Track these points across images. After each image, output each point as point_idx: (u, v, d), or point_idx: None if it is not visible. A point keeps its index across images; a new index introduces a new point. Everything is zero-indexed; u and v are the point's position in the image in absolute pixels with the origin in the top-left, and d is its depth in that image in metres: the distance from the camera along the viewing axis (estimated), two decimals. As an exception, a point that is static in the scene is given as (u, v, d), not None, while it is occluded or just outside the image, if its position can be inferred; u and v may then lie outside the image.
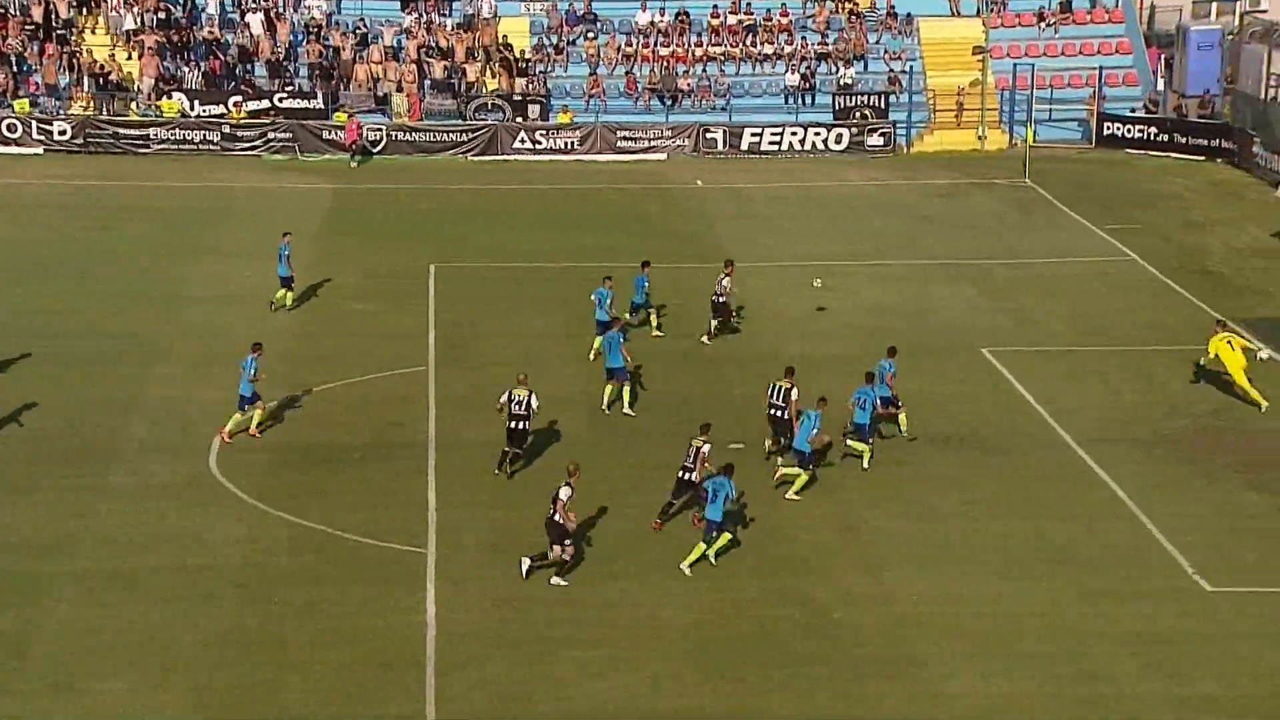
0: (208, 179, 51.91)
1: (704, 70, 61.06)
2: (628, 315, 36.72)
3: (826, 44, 61.56)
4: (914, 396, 33.36)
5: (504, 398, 29.08)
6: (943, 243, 45.98)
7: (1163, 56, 61.07)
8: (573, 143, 57.47)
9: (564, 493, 25.40)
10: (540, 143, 57.32)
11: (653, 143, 57.84)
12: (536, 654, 23.34)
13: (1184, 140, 56.30)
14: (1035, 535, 26.96)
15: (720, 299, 36.97)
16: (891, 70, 60.74)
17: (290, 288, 38.69)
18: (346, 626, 23.99)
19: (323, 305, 39.36)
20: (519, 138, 57.28)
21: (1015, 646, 23.41)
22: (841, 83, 59.75)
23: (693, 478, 27.03)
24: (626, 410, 32.45)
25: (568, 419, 32.22)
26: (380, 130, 57.00)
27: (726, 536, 26.12)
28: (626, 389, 32.67)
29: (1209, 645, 23.28)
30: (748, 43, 61.91)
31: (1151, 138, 57.09)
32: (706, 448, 27.18)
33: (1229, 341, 33.04)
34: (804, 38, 61.95)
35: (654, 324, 37.36)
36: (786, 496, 28.53)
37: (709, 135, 57.79)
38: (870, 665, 23.09)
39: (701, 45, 61.76)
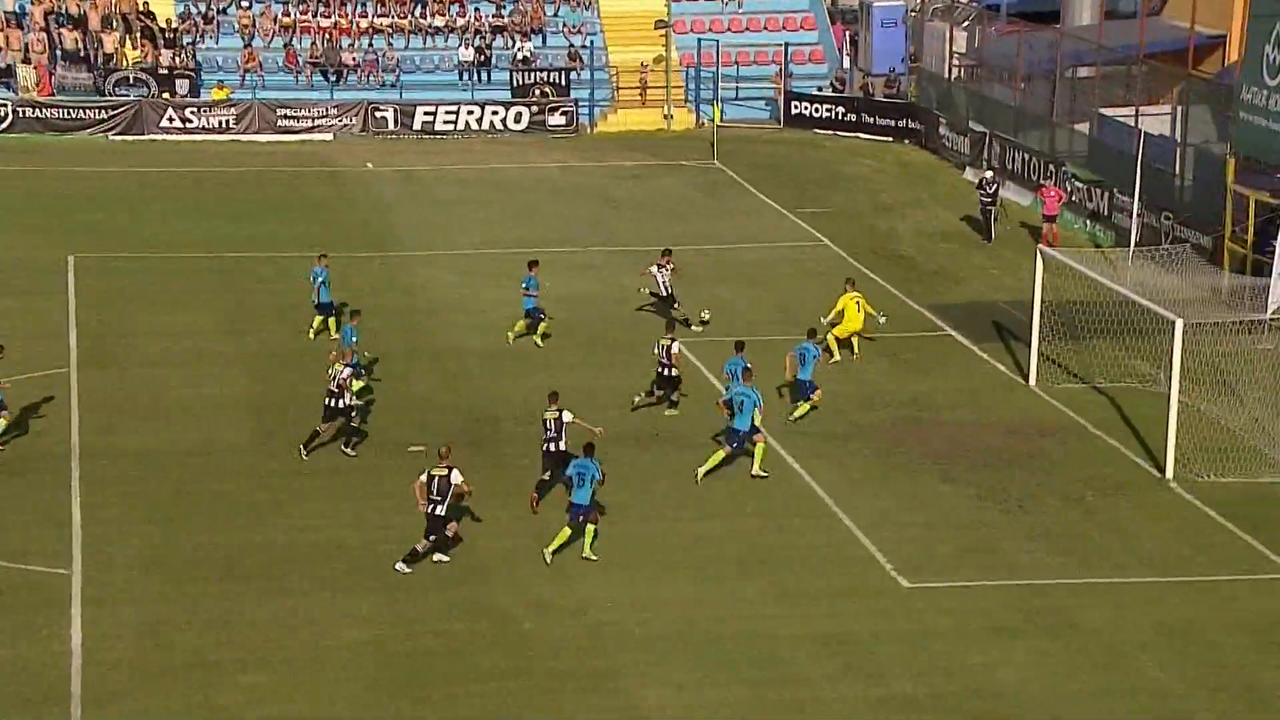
0: None
1: (370, 43, 60.50)
2: (522, 325, 36.29)
3: (502, 16, 61.69)
4: (604, 392, 33.74)
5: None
6: (632, 228, 46.55)
7: (848, 33, 63.07)
8: (228, 121, 56.28)
9: (456, 475, 25.88)
10: (191, 121, 55.96)
11: (317, 122, 57.07)
12: (198, 682, 22.79)
13: (871, 120, 58.24)
14: (732, 535, 27.52)
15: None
16: (572, 45, 61.22)
17: None
18: (-17, 661, 23.01)
19: (-53, 303, 37.66)
20: (166, 115, 55.82)
21: (714, 653, 23.86)
22: (519, 58, 59.96)
23: (561, 447, 28.12)
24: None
25: (230, 423, 31.57)
26: (5, 106, 54.73)
27: (592, 528, 26.39)
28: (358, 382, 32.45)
29: (907, 644, 24.11)
30: (416, 14, 61.59)
31: (839, 117, 58.90)
32: (567, 416, 28.18)
33: (857, 302, 35.60)
34: (477, 9, 61.97)
35: (538, 335, 36.50)
36: (753, 473, 29.41)
37: (379, 114, 57.31)
38: (564, 679, 23.23)
39: (367, 16, 61.20)
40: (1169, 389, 29.86)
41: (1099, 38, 49.50)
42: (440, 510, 26.11)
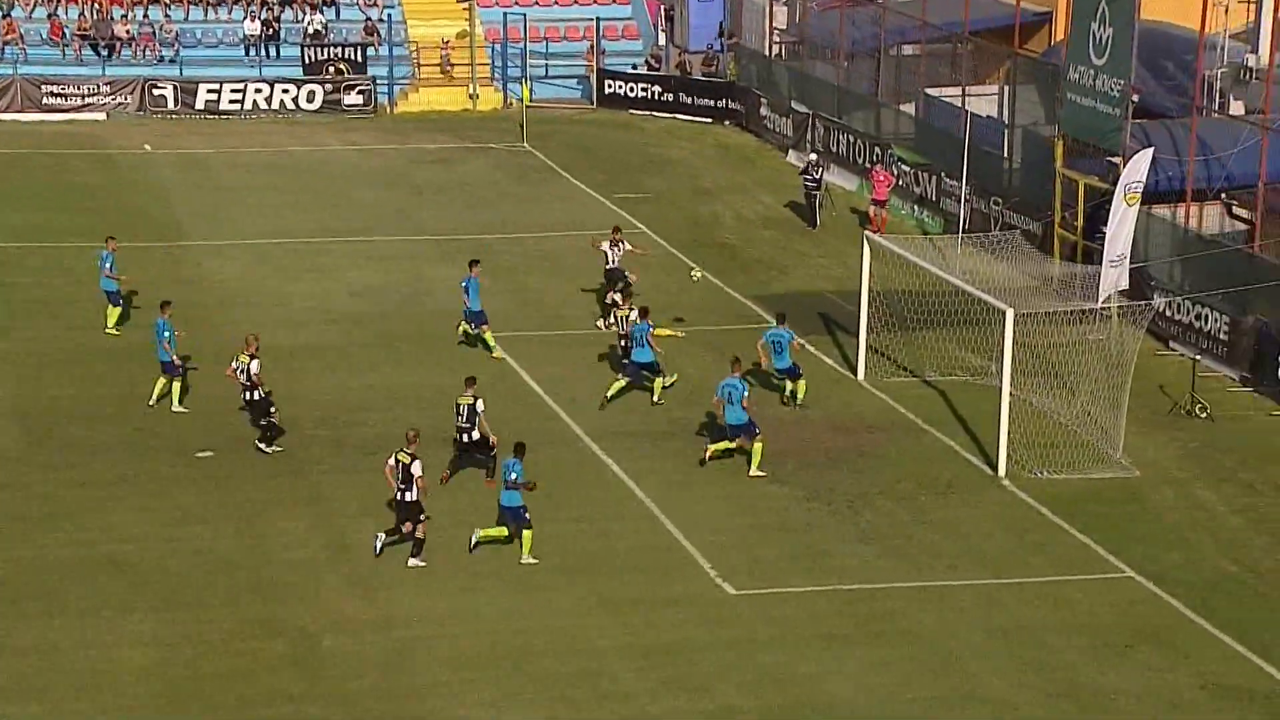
0: None
1: (145, 15, 59.39)
2: (466, 325, 35.64)
3: (292, -14, 60.98)
4: (409, 391, 33.56)
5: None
6: (437, 216, 46.34)
7: (663, 8, 63.36)
8: (-14, 99, 54.90)
9: (417, 467, 26.31)
10: (-58, 100, 54.52)
11: (88, 100, 55.92)
12: (-35, 714, 22.21)
13: (689, 100, 58.57)
14: (549, 541, 27.49)
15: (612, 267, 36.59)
16: (368, 19, 60.72)
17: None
18: None
19: None
20: (-86, 92, 54.31)
21: (529, 668, 23.81)
22: (310, 31, 59.30)
23: (474, 436, 29.09)
24: (150, 403, 32.34)
25: (-2, 430, 30.90)
26: None
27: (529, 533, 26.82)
28: (177, 384, 32.39)
29: (733, 654, 24.27)
30: (198, -17, 60.63)
31: (655, 97, 59.14)
32: (480, 404, 29.05)
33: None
34: (266, -21, 61.19)
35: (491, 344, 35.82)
36: (750, 474, 29.93)
37: (156, 92, 56.33)
38: (367, 699, 23.03)
39: (143, -15, 60.08)
40: (1001, 382, 30.46)
41: (923, 14, 50.34)
42: (410, 496, 26.44)
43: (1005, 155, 44.84)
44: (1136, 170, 35.98)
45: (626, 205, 47.77)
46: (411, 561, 26.57)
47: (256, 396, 30.65)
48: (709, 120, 57.81)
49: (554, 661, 24.02)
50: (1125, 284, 36.19)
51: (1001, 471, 30.44)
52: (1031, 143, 43.83)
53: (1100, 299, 35.77)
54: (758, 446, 30.26)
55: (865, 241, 35.13)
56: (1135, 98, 39.42)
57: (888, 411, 33.55)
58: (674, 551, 27.46)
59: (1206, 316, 36.04)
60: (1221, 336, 35.65)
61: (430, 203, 47.66)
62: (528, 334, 37.42)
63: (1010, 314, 30.28)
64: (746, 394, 30.29)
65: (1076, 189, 40.20)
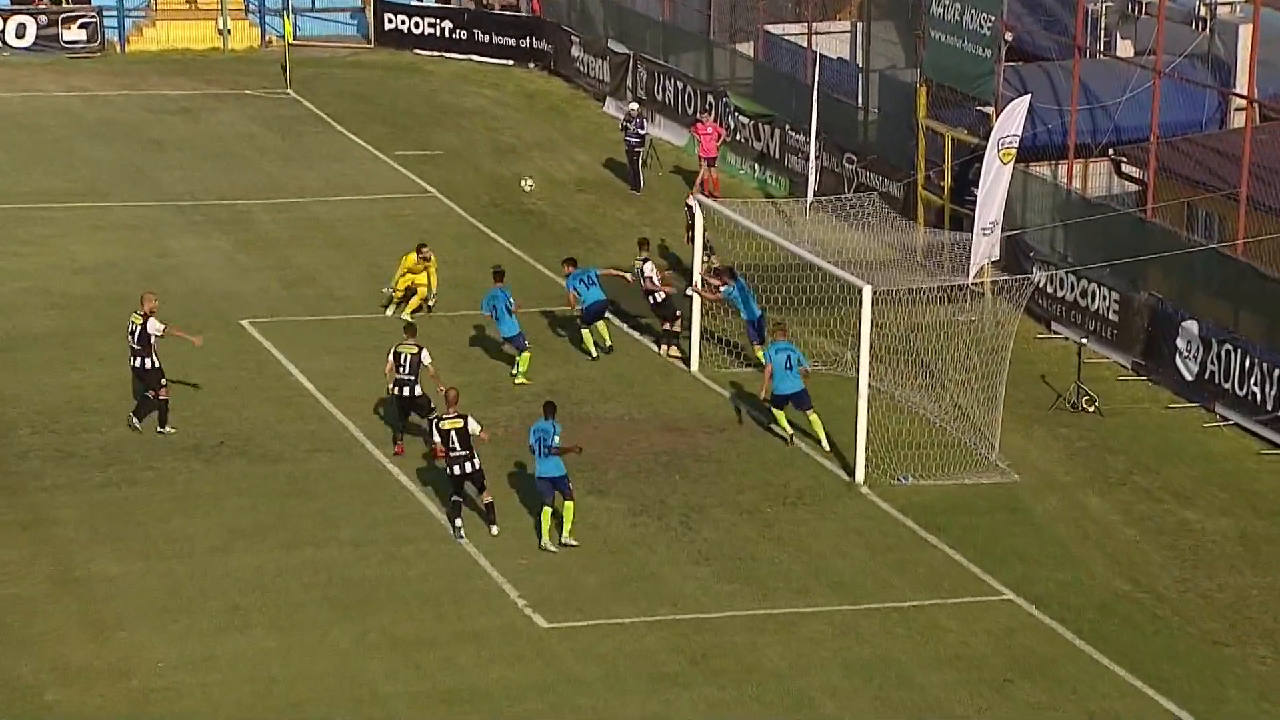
0: None
1: None
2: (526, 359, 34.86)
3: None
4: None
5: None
6: (182, 177, 45.80)
7: (457, -71, 63.09)
8: None
9: (474, 425, 28.04)
10: None
11: None
12: None
13: (487, 39, 58.46)
14: (323, 569, 27.28)
15: (655, 295, 35.85)
16: (98, -62, 59.73)
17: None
18: None
19: None
20: None
21: (301, 721, 23.63)
22: (26, -48, 58.25)
23: (417, 391, 30.70)
24: None
25: None
26: None
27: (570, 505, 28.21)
28: None
29: (548, 699, 24.20)
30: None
31: (446, 34, 58.94)
32: (425, 355, 30.77)
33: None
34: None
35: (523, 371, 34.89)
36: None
37: None
38: (105, 764, 22.72)
39: None
40: (857, 372, 30.66)
41: (762, -64, 50.63)
42: (475, 465, 28.18)
43: (860, 105, 45.21)
44: (1011, 122, 36.41)
45: (411, 164, 47.51)
46: (494, 530, 28.38)
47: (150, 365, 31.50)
48: (510, 63, 57.68)
49: (332, 712, 23.75)
50: (998, 255, 36.64)
51: (859, 478, 30.67)
52: (890, 90, 44.23)
53: (971, 273, 36.17)
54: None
55: (695, 206, 35.17)
56: (1009, 37, 39.92)
57: (725, 408, 33.66)
58: (474, 578, 27.34)
59: (1093, 293, 36.63)
60: (1111, 317, 36.25)
61: (173, 161, 47.11)
62: (296, 318, 37.05)
63: (868, 291, 30.49)
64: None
65: (942, 144, 40.63)
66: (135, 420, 31.55)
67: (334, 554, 27.77)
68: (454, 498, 28.51)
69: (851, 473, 30.78)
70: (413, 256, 36.95)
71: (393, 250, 40.74)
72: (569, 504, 28.16)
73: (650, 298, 35.84)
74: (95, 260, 39.72)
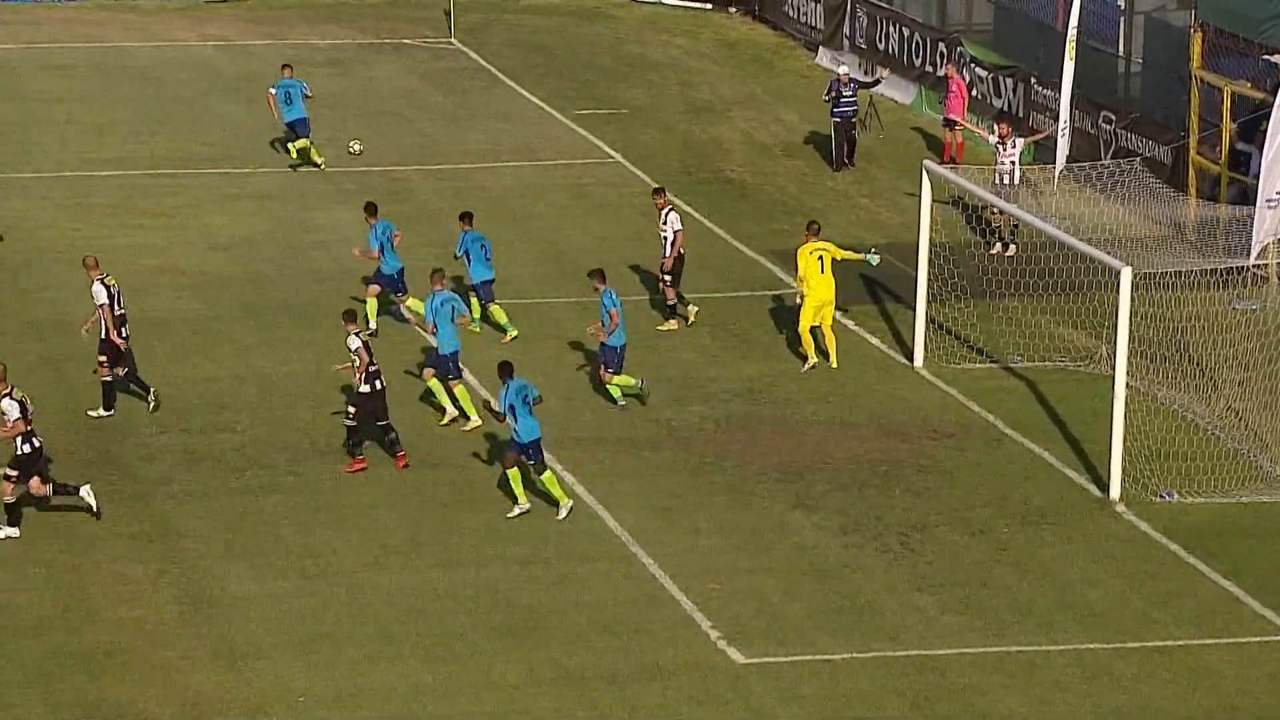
0: None
1: None
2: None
3: None
4: (292, 383, 33.54)
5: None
6: (331, 139, 46.20)
7: None
8: None
9: None
10: None
11: None
12: None
13: (682, -22, 58.73)
14: (486, 591, 27.51)
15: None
16: None
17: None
18: None
19: None
20: None
21: (451, 764, 23.97)
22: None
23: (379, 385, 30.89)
24: None
25: None
26: None
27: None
28: None
29: (744, 745, 24.42)
30: None
31: (635, -27, 59.27)
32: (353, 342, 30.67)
33: (820, 256, 34.64)
34: None
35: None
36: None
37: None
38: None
39: None
40: (1114, 370, 30.46)
41: None
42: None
43: (1121, 53, 44.83)
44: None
45: (592, 125, 47.75)
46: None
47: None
48: (708, 6, 57.80)
49: (490, 756, 24.07)
50: (1289, 232, 36.27)
51: (1114, 493, 30.51)
52: (1158, 35, 43.86)
53: (1253, 254, 35.82)
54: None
55: (925, 174, 35.05)
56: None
57: (956, 410, 33.61)
58: (660, 605, 27.46)
59: (1399, 278, 36.10)
60: None
61: (321, 121, 47.51)
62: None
63: (1127, 274, 30.31)
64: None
65: (1220, 100, 40.22)
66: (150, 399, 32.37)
67: (499, 574, 28.02)
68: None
69: (1105, 488, 30.60)
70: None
71: (569, 224, 40.97)
72: (548, 474, 29.07)
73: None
74: (232, 235, 40.22)
